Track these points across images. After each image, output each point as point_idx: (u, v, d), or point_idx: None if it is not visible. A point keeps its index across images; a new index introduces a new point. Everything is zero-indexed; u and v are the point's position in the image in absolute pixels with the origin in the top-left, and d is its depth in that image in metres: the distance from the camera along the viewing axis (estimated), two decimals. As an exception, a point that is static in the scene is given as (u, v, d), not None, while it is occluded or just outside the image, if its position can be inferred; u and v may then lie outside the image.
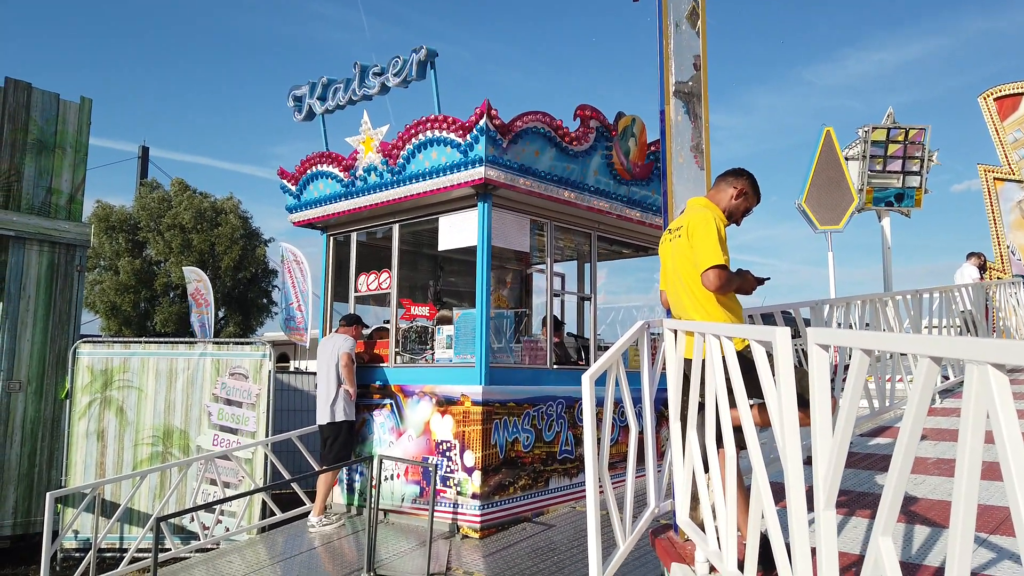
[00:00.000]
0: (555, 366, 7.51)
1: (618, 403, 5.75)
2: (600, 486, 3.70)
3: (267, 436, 8.62)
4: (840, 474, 2.20)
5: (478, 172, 6.72)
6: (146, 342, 9.36)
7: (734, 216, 3.79)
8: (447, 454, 6.72)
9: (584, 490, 3.68)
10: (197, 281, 16.87)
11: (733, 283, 3.53)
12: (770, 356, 2.62)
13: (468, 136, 6.75)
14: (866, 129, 13.88)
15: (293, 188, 8.62)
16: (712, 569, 3.38)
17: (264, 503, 8.12)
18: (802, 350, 6.51)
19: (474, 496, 6.43)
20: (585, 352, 8.45)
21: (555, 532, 6.31)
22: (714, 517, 3.30)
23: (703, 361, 3.40)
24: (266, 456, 8.48)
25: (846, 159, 13.57)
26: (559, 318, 8.86)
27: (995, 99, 15.81)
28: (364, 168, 7.75)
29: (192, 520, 8.24)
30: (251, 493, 7.91)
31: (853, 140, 14.33)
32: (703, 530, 3.42)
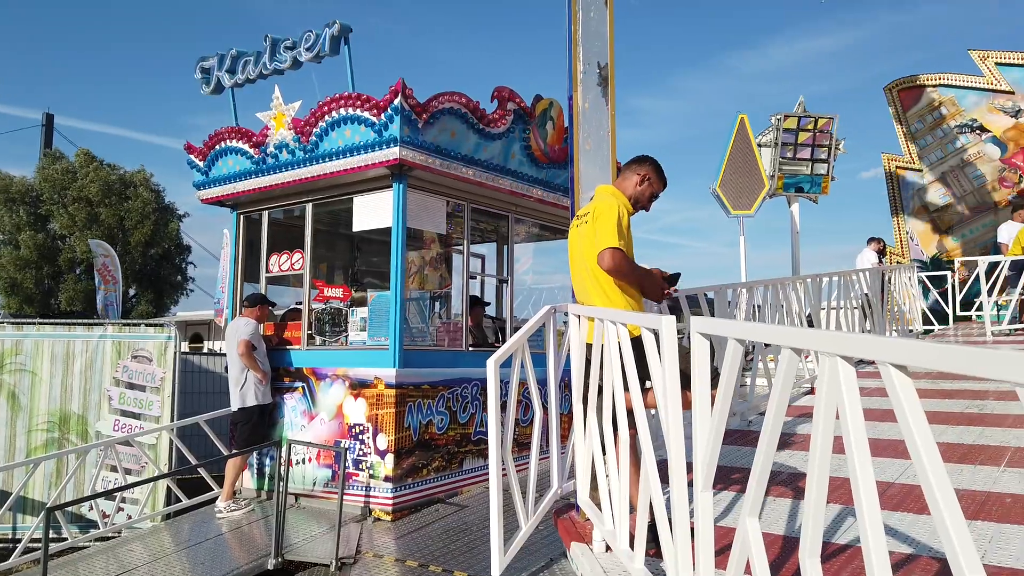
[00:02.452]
0: (472, 348, 7.53)
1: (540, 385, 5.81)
2: (504, 469, 3.75)
3: (172, 421, 8.35)
4: (716, 458, 2.29)
5: (393, 152, 6.63)
6: (40, 323, 8.89)
7: (640, 202, 3.87)
8: (360, 437, 6.67)
9: (503, 470, 3.72)
10: (104, 256, 16.08)
11: (629, 269, 3.58)
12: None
13: (383, 115, 6.64)
14: (778, 117, 14.34)
15: (201, 164, 8.30)
16: (608, 547, 3.48)
17: (169, 489, 7.89)
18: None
19: (387, 479, 6.42)
20: (503, 334, 8.50)
21: (468, 513, 6.37)
22: (610, 497, 3.39)
23: (601, 346, 3.47)
24: (171, 441, 8.22)
25: (759, 146, 14.01)
26: (481, 299, 8.88)
27: (899, 91, 16.58)
28: (275, 145, 7.53)
29: (91, 508, 7.93)
30: (154, 480, 7.67)
31: (766, 127, 14.81)
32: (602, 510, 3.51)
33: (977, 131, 15.54)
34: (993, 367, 1.16)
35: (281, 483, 6.01)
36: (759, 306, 6.85)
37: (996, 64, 15.32)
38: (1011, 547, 2.80)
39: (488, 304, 9.04)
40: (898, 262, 15.92)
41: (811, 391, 6.80)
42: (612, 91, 4.54)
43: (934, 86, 16.11)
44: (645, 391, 3.13)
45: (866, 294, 9.43)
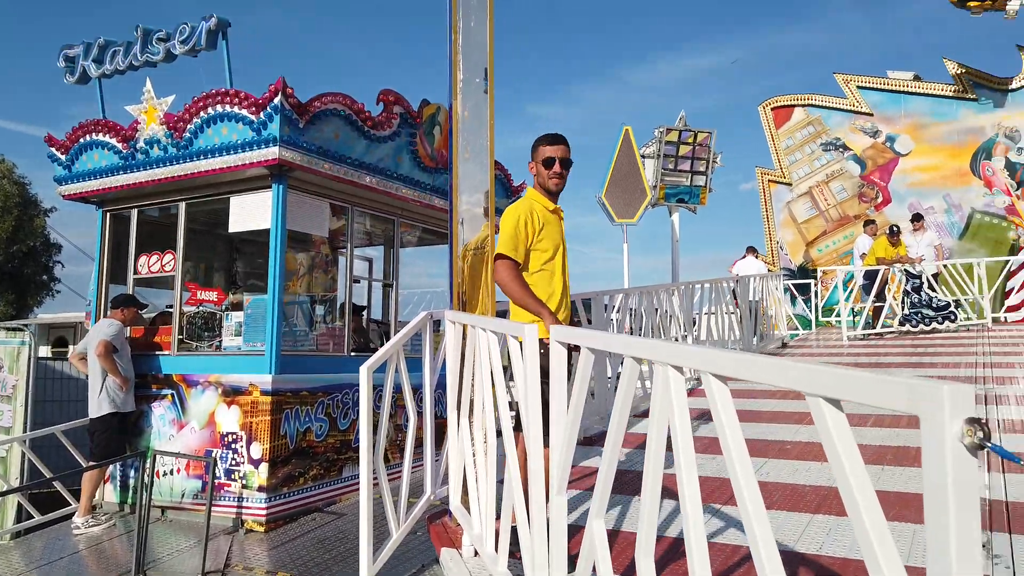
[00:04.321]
0: (353, 353, 7.42)
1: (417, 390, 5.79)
2: (375, 477, 3.72)
3: (25, 431, 7.77)
4: (569, 463, 2.37)
5: (272, 152, 6.45)
6: None
7: (546, 186, 3.51)
8: (233, 446, 6.43)
9: (375, 479, 3.68)
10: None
11: (507, 281, 3.33)
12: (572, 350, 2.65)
13: (261, 114, 6.45)
14: (661, 130, 14.96)
15: (63, 157, 7.78)
16: (477, 552, 3.52)
17: (20, 506, 7.32)
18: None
19: (260, 489, 6.22)
20: (388, 339, 8.42)
21: (345, 521, 6.26)
22: (479, 502, 3.44)
23: (474, 352, 3.51)
24: (23, 454, 7.64)
25: (643, 157, 14.56)
26: (363, 305, 8.77)
27: (772, 108, 17.63)
28: (146, 140, 7.16)
29: (-70, 529, 7.26)
30: (2, 495, 7.11)
31: (650, 139, 15.41)
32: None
33: (840, 149, 16.74)
34: (756, 373, 1.27)
35: (145, 496, 5.71)
36: (634, 311, 7.12)
37: (858, 87, 16.56)
38: (845, 539, 3.05)
39: (364, 308, 8.92)
40: (769, 270, 16.93)
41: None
42: (491, 100, 4.60)
43: (803, 106, 17.25)
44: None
45: (751, 300, 10.01)
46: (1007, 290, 13.86)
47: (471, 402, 3.56)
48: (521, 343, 2.72)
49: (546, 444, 2.48)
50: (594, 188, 13.99)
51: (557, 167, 3.43)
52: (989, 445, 0.96)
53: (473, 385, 3.50)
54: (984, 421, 0.97)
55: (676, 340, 7.64)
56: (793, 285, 14.84)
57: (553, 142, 3.47)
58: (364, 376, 3.68)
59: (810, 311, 14.33)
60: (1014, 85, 15.10)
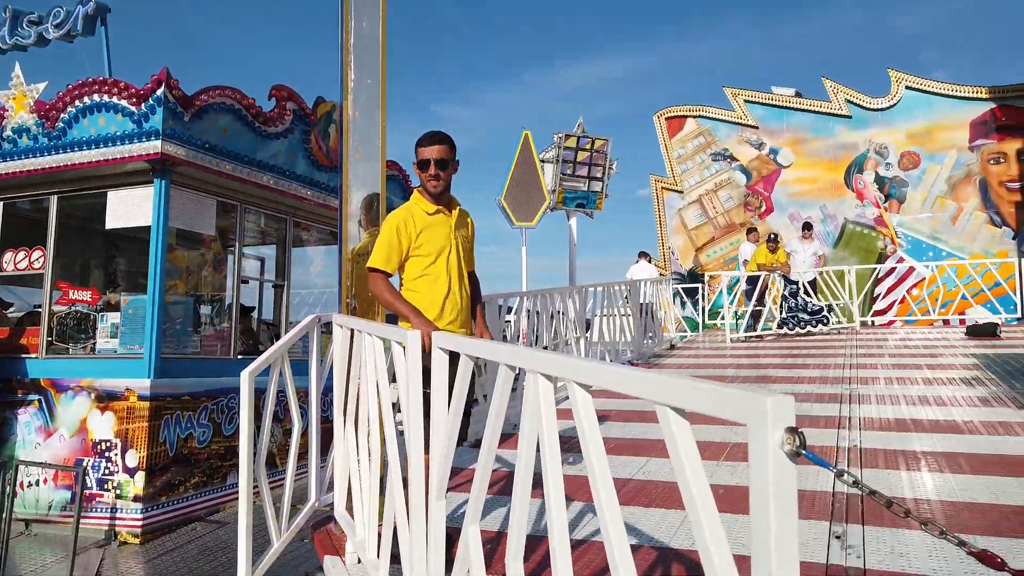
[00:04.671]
0: (241, 356, 7.18)
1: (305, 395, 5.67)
2: (255, 485, 3.63)
3: None
4: (448, 468, 2.39)
5: (154, 146, 6.16)
6: None
7: (426, 187, 3.39)
8: (106, 455, 6.10)
9: (256, 487, 3.57)
10: None
11: (382, 296, 3.33)
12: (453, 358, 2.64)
13: (143, 105, 6.16)
14: (560, 136, 15.26)
15: (-85, 143, 7.14)
16: (360, 560, 3.49)
17: None
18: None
19: (136, 499, 5.92)
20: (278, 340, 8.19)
21: (228, 530, 6.05)
22: (362, 508, 3.41)
23: (361, 357, 3.48)
24: None
25: (542, 162, 14.81)
26: (252, 306, 8.49)
27: (666, 118, 18.28)
28: (14, 128, 6.69)
29: None
30: None
31: (549, 145, 15.69)
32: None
33: (728, 159, 17.56)
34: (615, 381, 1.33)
35: (7, 508, 5.33)
36: (531, 311, 7.24)
37: (745, 101, 17.42)
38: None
39: (253, 309, 8.66)
40: (661, 274, 17.56)
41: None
42: (383, 102, 4.57)
43: (695, 117, 17.98)
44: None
45: (642, 303, 10.35)
46: (874, 295, 14.93)
47: (357, 408, 3.53)
48: (404, 349, 2.72)
49: (427, 450, 2.49)
50: (496, 191, 14.11)
51: (431, 169, 3.28)
52: (804, 453, 1.05)
53: (359, 390, 3.47)
54: (800, 430, 1.05)
55: (571, 342, 7.82)
56: (683, 289, 15.44)
57: (428, 142, 3.32)
58: (245, 382, 3.58)
59: (698, 314, 14.95)
60: (884, 105, 16.28)
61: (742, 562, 1.16)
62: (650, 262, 14.31)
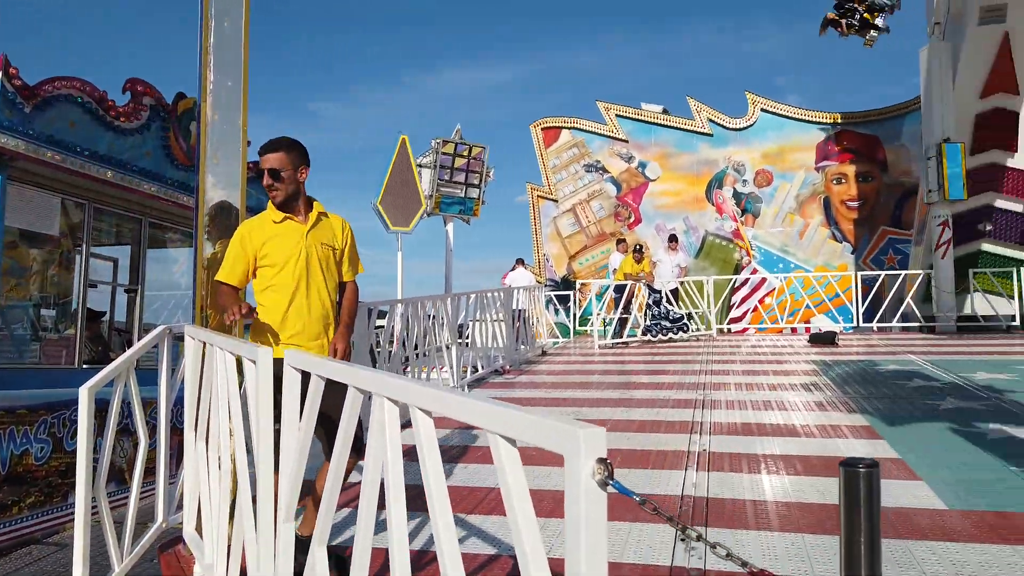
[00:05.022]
0: (87, 365, 6.71)
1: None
2: (95, 506, 3.41)
3: None
4: (297, 490, 2.35)
5: (-13, 137, 5.65)
6: None
7: (270, 197, 3.28)
8: (-76, 476, 5.52)
9: (95, 507, 3.35)
10: None
11: (216, 307, 3.36)
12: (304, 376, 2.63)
13: (-25, 93, 5.63)
14: (438, 141, 15.26)
15: None
16: (210, 582, 3.35)
17: None
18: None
19: (-40, 524, 5.40)
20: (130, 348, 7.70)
21: (69, 552, 5.62)
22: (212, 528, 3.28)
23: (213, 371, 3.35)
24: None
25: (419, 167, 14.76)
26: (106, 309, 7.94)
27: (542, 129, 18.68)
28: None
29: None
30: None
31: (427, 150, 15.65)
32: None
33: (600, 171, 18.17)
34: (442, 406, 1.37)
35: None
36: (404, 318, 7.20)
37: (616, 116, 18.09)
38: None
39: (103, 314, 8.11)
40: (537, 281, 17.91)
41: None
42: (245, 105, 4.42)
43: (569, 128, 18.49)
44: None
45: (516, 310, 10.52)
46: (731, 304, 15.89)
47: (208, 423, 3.39)
48: (254, 365, 2.65)
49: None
50: (374, 193, 13.89)
51: (266, 178, 3.17)
52: (611, 483, 1.12)
53: (211, 406, 3.33)
54: (609, 461, 1.12)
55: (443, 349, 7.84)
56: (556, 296, 15.83)
57: (264, 151, 3.22)
58: (84, 398, 3.36)
59: (570, 320, 15.37)
60: (742, 125, 17.39)
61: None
62: (526, 268, 14.56)
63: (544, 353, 11.66)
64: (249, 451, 3.00)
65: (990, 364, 8.23)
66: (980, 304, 13.08)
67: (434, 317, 7.85)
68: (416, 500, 1.78)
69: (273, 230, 3.22)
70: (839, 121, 16.83)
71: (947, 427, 5.25)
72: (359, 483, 1.92)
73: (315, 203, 3.35)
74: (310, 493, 3.14)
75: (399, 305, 7.09)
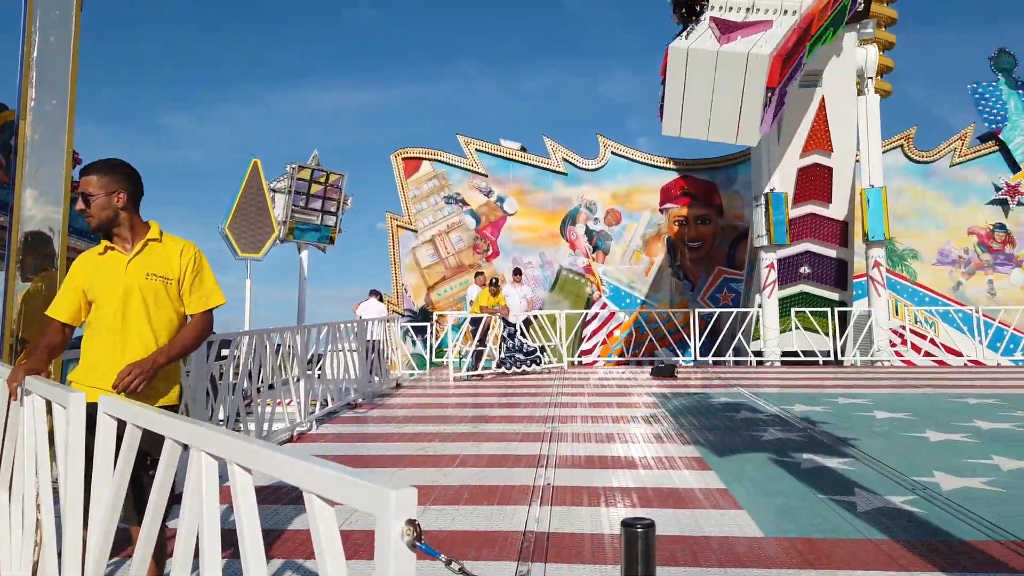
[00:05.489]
0: None
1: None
2: None
3: None
4: (108, 547, 2.19)
5: None
6: None
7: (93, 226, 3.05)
8: None
9: None
10: None
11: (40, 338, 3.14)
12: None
13: None
14: (294, 166, 14.85)
15: None
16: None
17: None
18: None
19: None
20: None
21: None
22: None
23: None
24: None
25: (273, 191, 14.28)
26: None
27: (403, 159, 18.67)
28: None
29: None
30: None
31: (282, 174, 15.19)
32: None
33: (460, 203, 18.37)
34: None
35: None
36: (251, 350, 6.89)
37: (476, 150, 18.42)
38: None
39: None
40: (395, 311, 17.76)
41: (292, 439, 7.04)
42: (71, 125, 4.13)
43: (430, 160, 18.60)
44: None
45: (370, 341, 10.33)
46: (582, 337, 16.49)
47: (12, 474, 3.08)
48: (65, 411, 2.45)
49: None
50: (224, 216, 13.24)
51: (79, 203, 2.96)
52: (420, 544, 1.14)
53: (15, 454, 3.04)
54: (418, 523, 1.14)
55: (291, 381, 7.56)
56: (413, 327, 15.75)
57: (81, 174, 3.01)
58: None
59: (426, 352, 15.32)
60: (594, 166, 18.23)
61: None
62: (381, 300, 14.38)
63: (399, 386, 11.53)
64: (58, 502, 2.76)
65: (807, 397, 9.03)
66: (800, 340, 14.34)
67: (282, 348, 7.59)
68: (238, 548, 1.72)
69: (96, 263, 2.96)
70: (682, 167, 18.05)
71: (768, 457, 5.70)
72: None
73: (151, 228, 3.04)
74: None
75: (245, 338, 6.79)
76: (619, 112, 68.68)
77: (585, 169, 18.18)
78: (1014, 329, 15.66)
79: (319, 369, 9.11)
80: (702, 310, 15.61)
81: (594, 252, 17.88)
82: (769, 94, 7.92)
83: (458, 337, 12.84)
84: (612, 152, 18.18)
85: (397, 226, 18.43)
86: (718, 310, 15.74)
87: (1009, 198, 17.33)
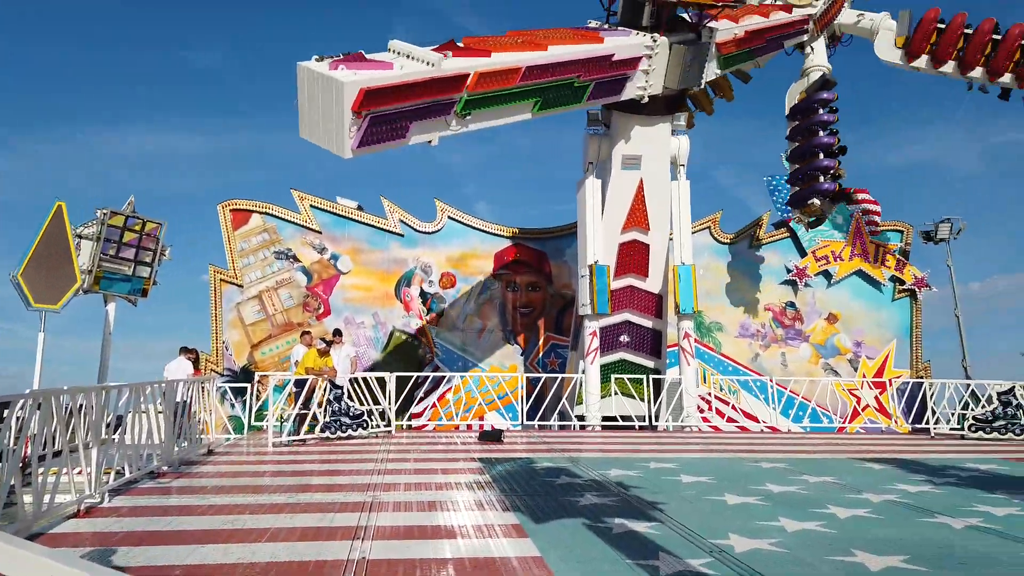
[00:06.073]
0: None
1: None
2: None
3: None
4: None
5: None
6: None
7: None
8: None
9: None
10: None
11: None
12: None
13: None
14: (105, 212, 13.72)
15: None
16: None
17: None
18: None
19: None
20: None
21: None
22: None
23: None
24: None
25: (79, 237, 13.08)
26: None
27: (231, 210, 17.89)
28: None
29: None
30: None
31: (91, 219, 13.97)
32: None
33: (291, 259, 17.82)
34: None
35: None
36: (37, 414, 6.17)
37: (311, 206, 18.05)
38: None
39: None
40: (212, 370, 16.67)
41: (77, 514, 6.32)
42: None
43: (261, 213, 17.97)
44: None
45: (179, 402, 9.56)
46: (413, 400, 16.34)
47: None
48: None
49: None
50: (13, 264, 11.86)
51: None
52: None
53: None
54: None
55: (81, 448, 6.83)
56: (232, 388, 14.87)
57: None
58: None
59: (245, 415, 14.47)
60: (431, 229, 18.45)
61: None
62: (191, 358, 13.28)
63: (211, 452, 10.77)
64: None
65: (623, 462, 9.46)
66: (619, 405, 15.08)
67: (72, 411, 6.85)
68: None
69: None
70: (515, 235, 18.72)
71: (583, 522, 5.88)
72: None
73: None
74: None
75: (30, 400, 6.06)
76: (458, 178, 70.30)
77: (422, 232, 18.37)
78: (803, 397, 17.41)
79: (118, 434, 8.31)
80: (530, 375, 16.02)
81: (428, 314, 17.94)
82: (355, 117, 9.29)
83: (281, 399, 12.26)
84: (449, 217, 18.53)
85: (221, 280, 17.53)
86: (544, 375, 16.24)
87: (798, 279, 19.49)
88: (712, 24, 13.87)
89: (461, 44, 10.77)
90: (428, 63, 9.99)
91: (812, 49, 16.31)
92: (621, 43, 12.80)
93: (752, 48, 14.98)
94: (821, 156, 15.14)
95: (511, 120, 11.65)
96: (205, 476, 8.59)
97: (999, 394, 13.91)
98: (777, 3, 15.72)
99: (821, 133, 15.19)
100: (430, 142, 10.61)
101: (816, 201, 15.05)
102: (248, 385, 14.83)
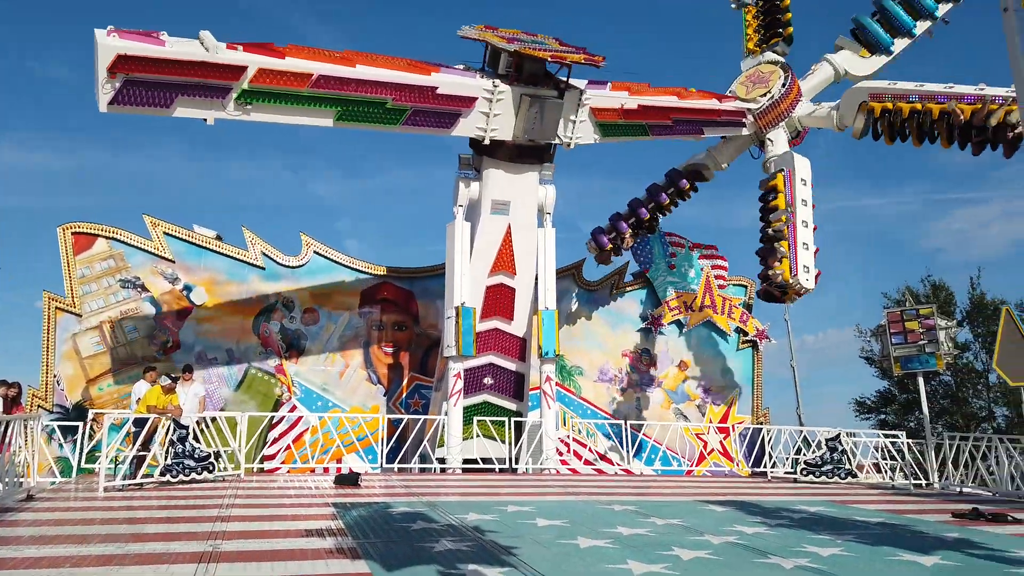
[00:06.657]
0: None
1: None
2: None
3: None
4: None
5: None
6: None
7: None
8: None
9: None
10: None
11: None
12: None
13: None
14: (-78, 227, 12.39)
15: None
16: None
17: None
18: None
19: None
20: None
21: None
22: None
23: None
24: None
25: None
26: None
27: (73, 233, 16.57)
28: None
29: None
30: None
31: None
32: None
33: (139, 288, 16.68)
34: None
35: None
36: None
37: (164, 233, 17.04)
38: None
39: None
40: (40, 406, 15.19)
41: None
42: None
43: (107, 238, 16.74)
44: None
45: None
46: (268, 441, 15.60)
47: None
48: None
49: None
50: None
51: None
52: None
53: None
54: None
55: None
56: (61, 426, 13.63)
57: None
58: None
59: (75, 456, 13.25)
60: (295, 263, 17.88)
61: None
62: (12, 393, 11.98)
63: (31, 497, 9.76)
64: None
65: (481, 505, 9.45)
66: (480, 448, 15.09)
67: None
68: None
69: None
70: (383, 273, 18.50)
71: (436, 569, 5.81)
72: None
73: None
74: None
75: None
76: (329, 212, 68.84)
77: (285, 265, 17.75)
78: (655, 441, 18.18)
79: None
80: (393, 416, 15.74)
81: (288, 351, 17.28)
82: (108, 76, 10.89)
83: (117, 439, 11.34)
84: (315, 251, 18.06)
85: (56, 308, 16.10)
86: (407, 416, 16.01)
87: (652, 327, 20.45)
88: (586, 88, 14.50)
89: (275, 47, 12.10)
90: (206, 48, 11.31)
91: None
92: (451, 80, 13.46)
93: (648, 124, 15.61)
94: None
95: (309, 122, 12.97)
96: (22, 524, 7.78)
97: (827, 440, 15.15)
98: (723, 93, 16.62)
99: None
100: (205, 120, 11.92)
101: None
102: (80, 424, 13.62)
